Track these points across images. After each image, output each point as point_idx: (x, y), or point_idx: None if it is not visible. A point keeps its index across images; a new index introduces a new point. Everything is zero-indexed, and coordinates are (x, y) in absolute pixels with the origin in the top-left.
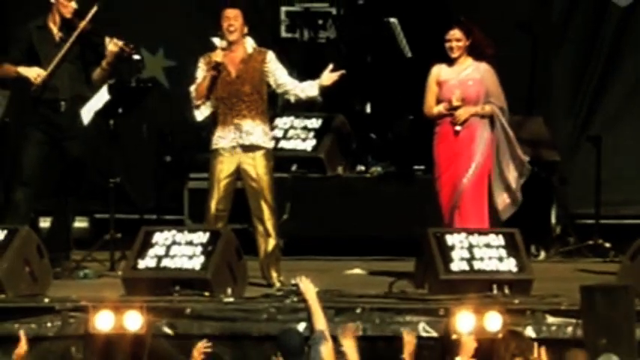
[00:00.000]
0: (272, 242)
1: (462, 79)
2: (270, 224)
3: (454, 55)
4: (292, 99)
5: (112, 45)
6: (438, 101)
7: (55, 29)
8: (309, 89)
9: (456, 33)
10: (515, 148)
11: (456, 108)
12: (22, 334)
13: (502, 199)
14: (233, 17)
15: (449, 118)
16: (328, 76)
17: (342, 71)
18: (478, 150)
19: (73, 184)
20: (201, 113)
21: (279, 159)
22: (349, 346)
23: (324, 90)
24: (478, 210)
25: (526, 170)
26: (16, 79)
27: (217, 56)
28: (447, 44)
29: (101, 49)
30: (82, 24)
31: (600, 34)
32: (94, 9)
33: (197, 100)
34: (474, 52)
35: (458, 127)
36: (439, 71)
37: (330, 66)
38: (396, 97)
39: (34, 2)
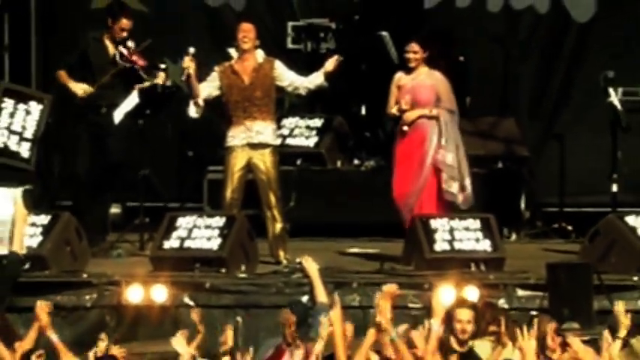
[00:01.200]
0: (279, 226)
1: (415, 85)
2: (276, 210)
3: (411, 64)
4: (304, 92)
5: (160, 79)
6: (397, 103)
7: (110, 47)
8: (315, 79)
9: (413, 46)
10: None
11: (405, 111)
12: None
13: (459, 195)
14: (247, 30)
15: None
16: (330, 63)
17: (341, 58)
18: (430, 149)
19: (110, 177)
20: (193, 111)
21: (286, 154)
22: (384, 306)
23: (328, 77)
24: (433, 202)
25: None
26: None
27: (187, 65)
28: (406, 55)
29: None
30: (139, 61)
31: (562, 47)
32: (147, 42)
33: (192, 98)
34: (430, 62)
35: (405, 128)
36: (399, 77)
37: (334, 57)
38: (387, 101)
39: (83, 11)
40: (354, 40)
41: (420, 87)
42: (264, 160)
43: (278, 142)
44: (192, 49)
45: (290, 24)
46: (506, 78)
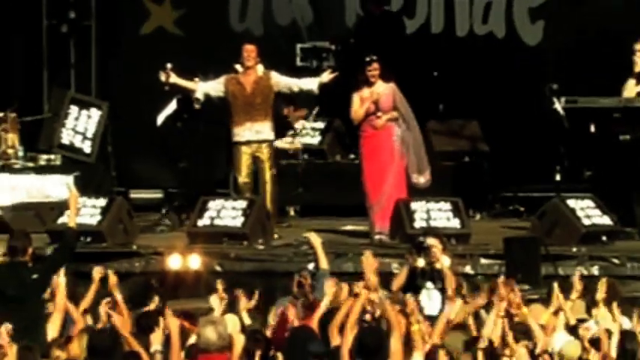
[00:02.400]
0: (270, 205)
1: (378, 94)
2: (269, 187)
3: (373, 80)
4: (296, 90)
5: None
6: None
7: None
8: (309, 84)
9: (375, 65)
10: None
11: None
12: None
13: (418, 180)
14: (250, 50)
15: (370, 121)
16: (325, 76)
17: (336, 73)
18: (396, 144)
19: None
20: (196, 103)
21: (294, 150)
22: (370, 270)
23: (322, 86)
24: (402, 187)
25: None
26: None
27: (164, 79)
28: (368, 73)
29: None
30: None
31: (515, 65)
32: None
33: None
34: (384, 77)
35: (380, 121)
36: (362, 91)
37: (328, 70)
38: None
39: (133, 35)
40: (350, 59)
41: (382, 95)
42: (263, 152)
43: (273, 136)
44: (168, 65)
45: (299, 46)
46: (471, 89)
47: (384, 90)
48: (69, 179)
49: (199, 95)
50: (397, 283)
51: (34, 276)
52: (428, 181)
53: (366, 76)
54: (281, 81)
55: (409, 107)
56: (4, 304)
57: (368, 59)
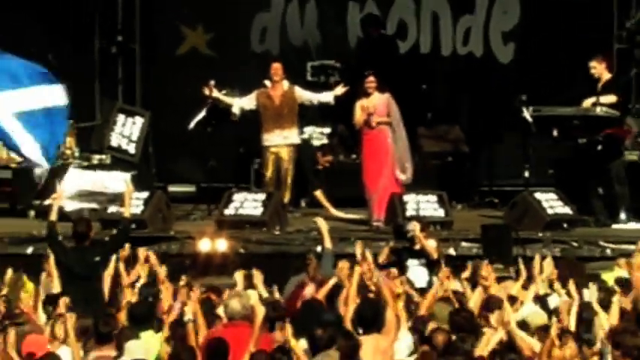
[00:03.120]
0: (288, 196)
1: (374, 104)
2: (289, 184)
3: (370, 91)
4: (315, 102)
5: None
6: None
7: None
8: (326, 97)
9: (372, 79)
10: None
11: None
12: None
13: (399, 176)
14: (277, 68)
15: (368, 128)
16: (339, 89)
17: (347, 87)
18: (390, 145)
19: None
20: (234, 117)
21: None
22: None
23: (336, 98)
24: (392, 183)
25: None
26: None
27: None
28: (366, 85)
29: None
30: None
31: (491, 79)
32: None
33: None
34: (380, 89)
35: (373, 124)
36: (362, 101)
37: (341, 85)
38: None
39: (178, 34)
40: (352, 75)
41: (377, 105)
42: (287, 154)
43: (298, 141)
44: (212, 82)
45: (309, 64)
46: (454, 100)
47: (379, 100)
48: (127, 176)
49: (236, 110)
50: (381, 258)
51: (97, 258)
52: (408, 179)
53: (365, 89)
54: (303, 95)
55: (400, 116)
56: (73, 281)
57: (366, 74)
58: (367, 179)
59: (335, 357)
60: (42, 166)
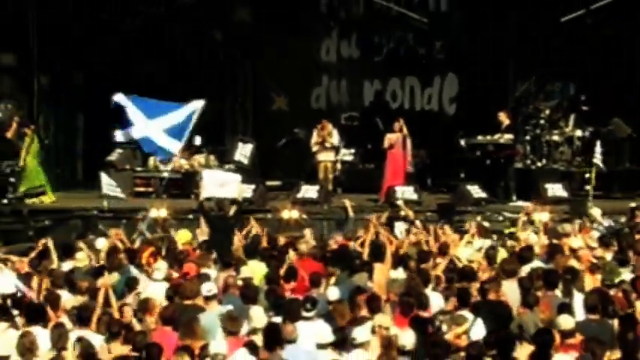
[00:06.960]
0: (330, 187)
1: (398, 138)
2: (330, 181)
3: (396, 130)
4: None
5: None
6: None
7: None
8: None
9: (397, 124)
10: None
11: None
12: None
13: (409, 169)
14: (326, 122)
15: (393, 148)
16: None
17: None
18: (406, 156)
19: None
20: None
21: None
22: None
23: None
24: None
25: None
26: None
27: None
28: (394, 125)
29: None
30: None
31: (441, 126)
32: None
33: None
34: (398, 129)
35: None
36: (389, 136)
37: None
38: (383, 143)
39: (269, 98)
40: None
41: (399, 139)
42: (330, 165)
43: (335, 158)
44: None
45: (343, 115)
46: (422, 137)
47: (397, 136)
48: (239, 177)
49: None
50: (381, 218)
51: (231, 221)
52: (409, 169)
53: (392, 127)
54: (334, 132)
55: (410, 142)
56: (217, 233)
57: (396, 121)
58: (385, 182)
59: (365, 276)
60: (171, 152)
